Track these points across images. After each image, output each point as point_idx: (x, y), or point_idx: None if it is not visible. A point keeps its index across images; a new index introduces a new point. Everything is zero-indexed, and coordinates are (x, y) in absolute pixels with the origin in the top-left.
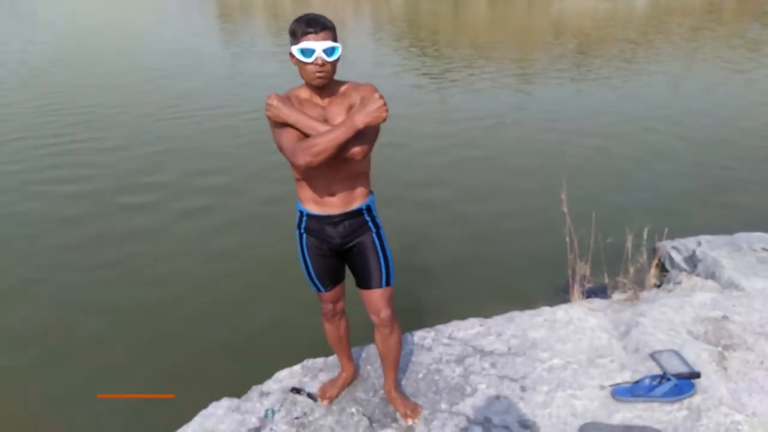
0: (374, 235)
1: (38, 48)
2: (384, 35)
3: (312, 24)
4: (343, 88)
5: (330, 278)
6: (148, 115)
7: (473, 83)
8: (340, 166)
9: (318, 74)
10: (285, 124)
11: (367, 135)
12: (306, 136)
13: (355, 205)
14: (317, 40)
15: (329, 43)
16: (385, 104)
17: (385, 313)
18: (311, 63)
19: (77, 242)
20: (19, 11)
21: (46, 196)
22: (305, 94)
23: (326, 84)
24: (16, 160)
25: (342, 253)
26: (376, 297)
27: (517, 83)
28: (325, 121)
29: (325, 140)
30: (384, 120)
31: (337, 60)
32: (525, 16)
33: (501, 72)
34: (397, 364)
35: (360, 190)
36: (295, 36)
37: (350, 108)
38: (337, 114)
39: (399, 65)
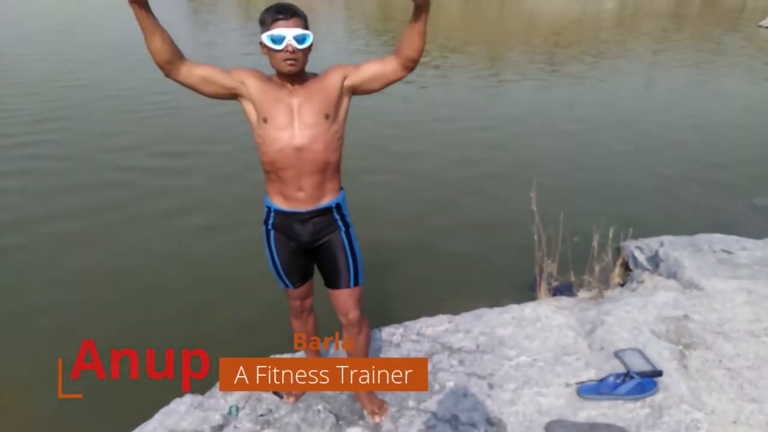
0: (343, 234)
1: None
2: (356, 28)
3: (282, 11)
4: (311, 79)
5: (298, 275)
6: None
7: (444, 81)
8: (308, 156)
9: (289, 62)
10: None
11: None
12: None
13: (325, 202)
14: (288, 26)
15: (300, 30)
16: None
17: (353, 314)
18: (281, 50)
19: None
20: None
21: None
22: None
23: (298, 74)
24: None
25: (310, 251)
26: (345, 297)
27: (488, 82)
28: (290, 109)
29: None
30: None
31: (309, 49)
32: (497, 15)
33: (471, 70)
34: None
35: (329, 186)
36: (265, 24)
37: (317, 92)
38: (302, 103)
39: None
